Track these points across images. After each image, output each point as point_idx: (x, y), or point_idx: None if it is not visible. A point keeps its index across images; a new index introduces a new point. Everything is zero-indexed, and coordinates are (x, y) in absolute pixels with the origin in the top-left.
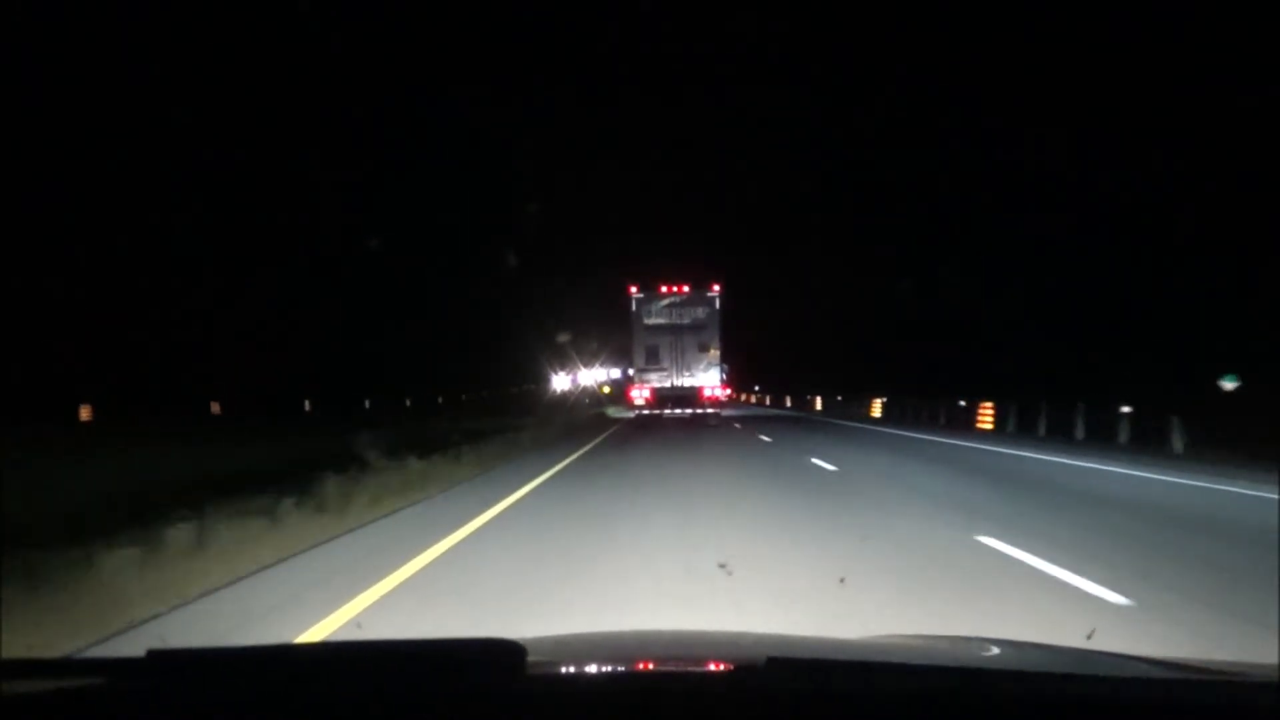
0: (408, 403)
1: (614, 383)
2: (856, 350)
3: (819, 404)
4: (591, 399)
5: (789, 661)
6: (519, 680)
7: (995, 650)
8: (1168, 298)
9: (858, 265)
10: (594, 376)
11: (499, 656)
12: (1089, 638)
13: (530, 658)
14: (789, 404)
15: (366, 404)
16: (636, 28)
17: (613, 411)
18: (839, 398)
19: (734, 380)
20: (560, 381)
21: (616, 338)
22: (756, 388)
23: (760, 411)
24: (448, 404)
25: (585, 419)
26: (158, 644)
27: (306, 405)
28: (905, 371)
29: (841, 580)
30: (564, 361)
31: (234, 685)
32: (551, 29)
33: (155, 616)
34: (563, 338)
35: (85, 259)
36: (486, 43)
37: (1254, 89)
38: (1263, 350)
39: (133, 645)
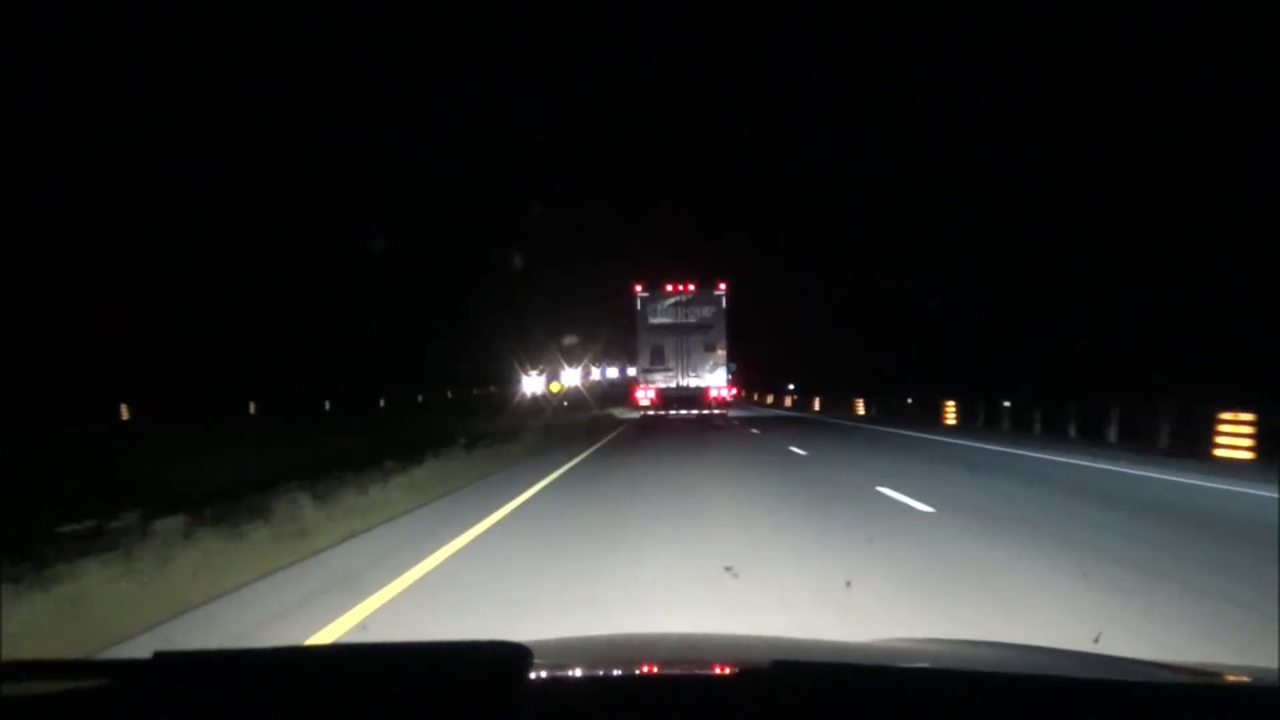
0: (327, 406)
1: (612, 383)
2: (881, 350)
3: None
4: (574, 402)
5: (794, 665)
6: (523, 682)
7: (1001, 653)
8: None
9: (864, 264)
10: (575, 376)
11: (503, 659)
12: (1096, 641)
13: (535, 660)
14: (860, 411)
15: (252, 408)
16: (640, 27)
17: (601, 413)
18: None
19: (741, 380)
20: (532, 383)
21: (604, 335)
22: (791, 386)
23: (776, 414)
24: (395, 408)
25: (575, 426)
26: (163, 646)
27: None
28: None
29: None
30: (541, 360)
31: (239, 687)
32: (554, 28)
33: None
34: (568, 340)
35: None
36: (489, 43)
37: (1252, 88)
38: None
39: (138, 648)
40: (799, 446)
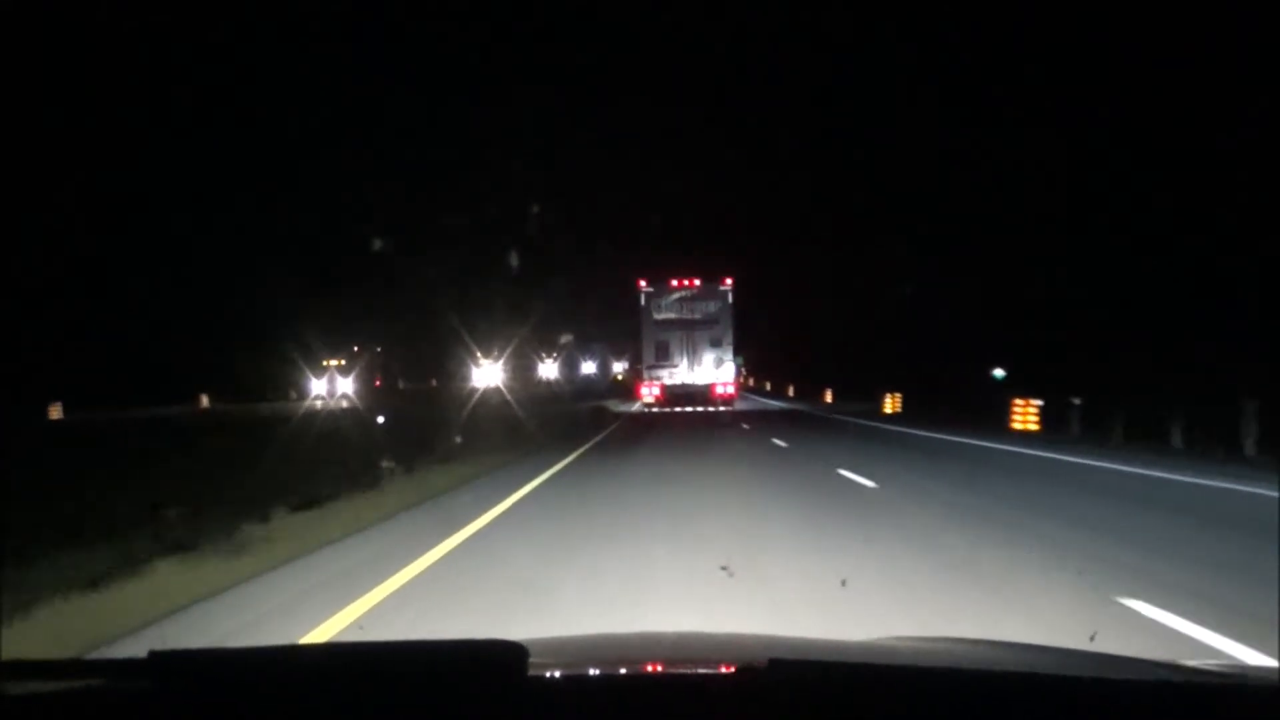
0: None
1: (588, 380)
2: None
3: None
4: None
5: (791, 663)
6: (520, 682)
7: (998, 652)
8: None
9: (867, 261)
10: (496, 374)
11: (500, 658)
12: (1092, 639)
13: (532, 659)
14: (889, 409)
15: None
16: (644, 25)
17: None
18: None
19: (752, 373)
20: (326, 386)
21: (540, 317)
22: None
23: (786, 408)
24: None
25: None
26: (159, 645)
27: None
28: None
29: None
30: (350, 349)
31: (235, 687)
32: (559, 27)
33: None
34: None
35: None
36: (491, 40)
37: (1254, 90)
38: None
39: (135, 647)
40: (853, 470)
